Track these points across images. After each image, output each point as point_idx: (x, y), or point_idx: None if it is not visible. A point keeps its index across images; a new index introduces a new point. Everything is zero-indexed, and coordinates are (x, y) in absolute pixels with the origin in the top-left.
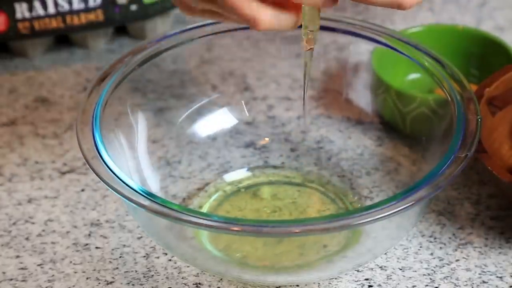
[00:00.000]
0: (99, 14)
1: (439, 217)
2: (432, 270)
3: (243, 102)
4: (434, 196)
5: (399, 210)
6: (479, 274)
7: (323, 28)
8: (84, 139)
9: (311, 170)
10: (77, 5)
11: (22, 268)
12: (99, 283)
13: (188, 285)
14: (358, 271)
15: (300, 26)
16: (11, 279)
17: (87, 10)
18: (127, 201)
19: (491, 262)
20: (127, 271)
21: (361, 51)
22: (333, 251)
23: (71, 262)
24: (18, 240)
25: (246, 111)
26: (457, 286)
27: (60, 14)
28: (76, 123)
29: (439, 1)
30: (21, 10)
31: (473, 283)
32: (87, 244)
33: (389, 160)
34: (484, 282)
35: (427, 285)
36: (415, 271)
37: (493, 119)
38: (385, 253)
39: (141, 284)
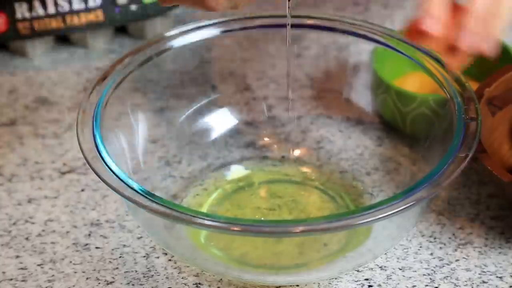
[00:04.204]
0: (99, 14)
1: (439, 217)
2: (432, 270)
3: (243, 102)
4: (434, 196)
5: (399, 210)
6: (479, 274)
7: (323, 28)
8: (84, 139)
9: (311, 169)
10: (77, 5)
11: (22, 268)
12: (99, 283)
13: (188, 285)
14: (358, 271)
15: None
16: (11, 279)
17: (87, 10)
18: (127, 201)
19: (491, 262)
20: (127, 271)
21: (361, 51)
22: (333, 251)
23: (71, 262)
24: (18, 240)
25: (246, 111)
26: (457, 286)
27: (60, 14)
28: (76, 123)
29: None
30: (21, 10)
31: (473, 283)
32: (87, 244)
33: (389, 160)
34: (484, 282)
35: (427, 285)
36: (415, 271)
37: (493, 119)
38: (385, 253)
39: (141, 284)
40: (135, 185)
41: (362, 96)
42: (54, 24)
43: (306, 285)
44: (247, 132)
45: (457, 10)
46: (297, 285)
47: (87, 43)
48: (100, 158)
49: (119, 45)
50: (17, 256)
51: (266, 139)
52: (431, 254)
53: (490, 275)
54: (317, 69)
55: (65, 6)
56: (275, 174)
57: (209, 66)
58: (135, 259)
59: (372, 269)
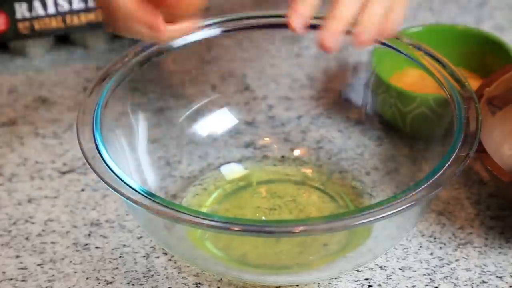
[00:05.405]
0: (99, 14)
1: (439, 217)
2: (432, 270)
3: (243, 102)
4: (434, 196)
5: (399, 210)
6: (479, 274)
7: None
8: (85, 139)
9: (311, 169)
10: (77, 5)
11: (22, 268)
12: (99, 283)
13: (188, 285)
14: (358, 271)
15: None
16: (11, 279)
17: (87, 10)
18: (127, 201)
19: (491, 262)
20: (127, 271)
21: (361, 51)
22: (333, 251)
23: (71, 262)
24: (18, 240)
25: (246, 111)
26: (457, 286)
27: (60, 14)
28: (76, 123)
29: (439, 1)
30: (21, 10)
31: (473, 283)
32: (87, 244)
33: (389, 160)
34: (484, 282)
35: (427, 285)
36: (415, 271)
37: (493, 119)
38: (385, 253)
39: (141, 284)
40: (135, 185)
41: (362, 96)
42: (54, 24)
43: (306, 285)
44: (247, 132)
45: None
46: (297, 285)
47: (87, 43)
48: (100, 158)
49: (119, 45)
50: (17, 256)
51: (266, 139)
52: (431, 254)
53: (490, 275)
54: (317, 69)
55: (65, 6)
56: (275, 174)
57: (209, 66)
58: (135, 259)
59: (372, 269)
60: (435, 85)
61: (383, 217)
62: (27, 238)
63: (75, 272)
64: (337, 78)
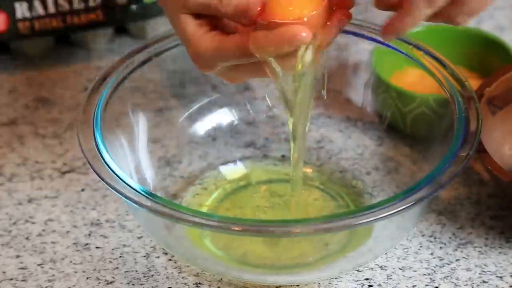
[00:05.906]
0: (99, 14)
1: (439, 217)
2: (432, 269)
3: (243, 102)
4: (435, 196)
5: (399, 210)
6: (479, 273)
7: None
8: (85, 139)
9: (311, 169)
10: (77, 5)
11: (22, 268)
12: (99, 282)
13: (188, 285)
14: (358, 270)
15: None
16: (11, 279)
17: (87, 10)
18: (127, 201)
19: (491, 261)
20: (127, 271)
21: (361, 51)
22: (333, 251)
23: (71, 261)
24: (18, 239)
25: (246, 111)
26: (457, 285)
27: (60, 14)
28: (76, 123)
29: None
30: (21, 10)
31: (473, 283)
32: (87, 244)
33: (390, 160)
34: (484, 281)
35: (427, 285)
36: (415, 271)
37: (493, 119)
38: (386, 253)
39: (141, 284)
40: (136, 185)
41: (362, 96)
42: (54, 24)
43: (306, 285)
44: (247, 131)
45: None
46: (298, 285)
47: (87, 43)
48: (101, 158)
49: (119, 45)
50: (18, 256)
51: (266, 138)
52: (431, 254)
53: (490, 274)
54: (317, 69)
55: (65, 6)
56: (275, 173)
57: None
58: (135, 259)
59: (372, 268)
60: (435, 85)
61: (383, 217)
62: (27, 238)
63: (75, 272)
64: (337, 78)
